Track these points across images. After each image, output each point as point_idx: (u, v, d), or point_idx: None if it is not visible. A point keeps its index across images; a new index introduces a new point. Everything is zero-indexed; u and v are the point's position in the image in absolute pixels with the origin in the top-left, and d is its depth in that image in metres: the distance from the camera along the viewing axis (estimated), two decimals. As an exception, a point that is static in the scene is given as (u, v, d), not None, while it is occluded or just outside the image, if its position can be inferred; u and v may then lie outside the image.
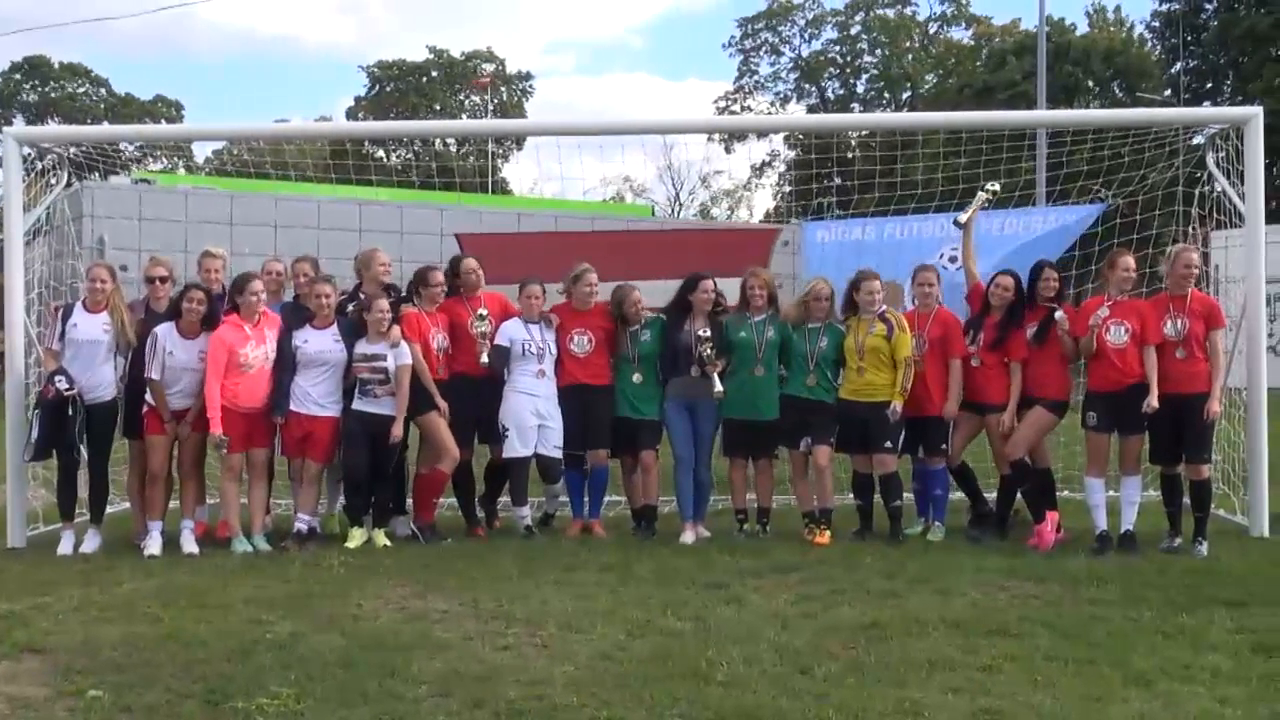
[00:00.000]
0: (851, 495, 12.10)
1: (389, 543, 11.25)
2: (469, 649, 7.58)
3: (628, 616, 8.35)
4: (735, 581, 9.51)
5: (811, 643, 7.62)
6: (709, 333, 11.51)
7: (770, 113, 76.12)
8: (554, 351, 11.78)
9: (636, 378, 11.82)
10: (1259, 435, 11.98)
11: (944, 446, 11.70)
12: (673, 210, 77.14)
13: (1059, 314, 11.21)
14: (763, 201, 79.25)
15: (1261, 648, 7.45)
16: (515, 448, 11.64)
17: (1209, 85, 56.35)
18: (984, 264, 12.44)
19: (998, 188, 12.53)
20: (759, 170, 77.94)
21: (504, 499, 12.52)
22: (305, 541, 11.32)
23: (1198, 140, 13.39)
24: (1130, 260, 11.22)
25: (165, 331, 11.04)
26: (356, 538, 11.26)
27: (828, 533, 11.41)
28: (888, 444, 11.36)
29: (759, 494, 11.92)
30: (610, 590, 9.23)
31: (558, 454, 11.73)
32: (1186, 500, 11.10)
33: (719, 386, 11.52)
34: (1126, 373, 10.85)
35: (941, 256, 12.61)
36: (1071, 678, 6.86)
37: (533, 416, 11.62)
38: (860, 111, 74.03)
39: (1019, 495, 11.70)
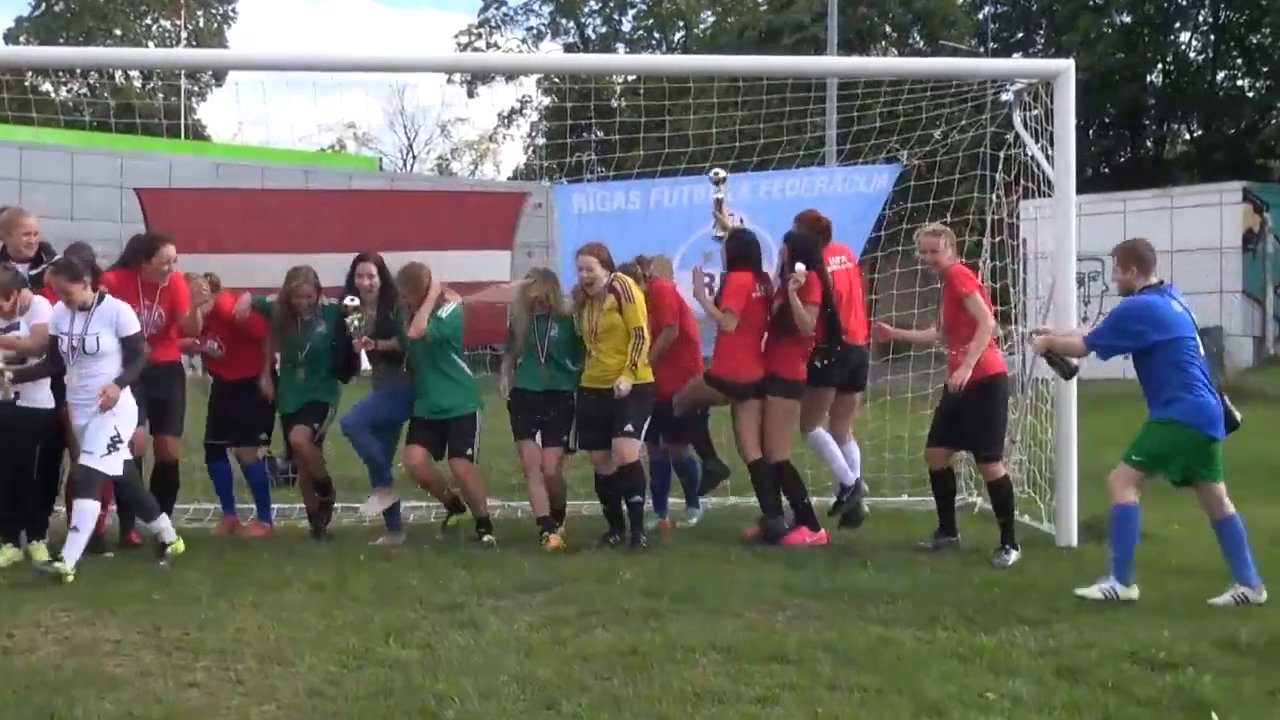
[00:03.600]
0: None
1: (47, 557, 10.83)
2: (147, 687, 7.43)
3: (342, 644, 8.28)
4: (471, 602, 9.52)
5: (560, 673, 7.66)
6: (357, 301, 12.06)
7: (520, 51, 76.07)
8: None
9: (300, 374, 12.41)
10: (1067, 433, 12.39)
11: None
12: (405, 163, 76.65)
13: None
14: (512, 155, 79.40)
15: (1067, 671, 7.75)
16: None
17: (1019, 35, 58.40)
18: (770, 231, 12.94)
19: (722, 173, 12.92)
20: (507, 119, 78.03)
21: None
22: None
23: (1006, 97, 13.82)
24: (925, 239, 11.76)
25: None
26: (6, 554, 10.88)
27: (554, 537, 11.82)
28: (627, 427, 11.69)
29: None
30: (321, 613, 9.15)
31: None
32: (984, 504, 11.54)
33: (367, 365, 12.16)
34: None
35: (714, 225, 12.73)
36: (857, 708, 7.03)
37: None
38: (625, 53, 74.43)
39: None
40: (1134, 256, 9.94)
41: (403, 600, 9.54)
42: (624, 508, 11.93)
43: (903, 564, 11.03)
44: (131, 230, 13.22)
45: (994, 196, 13.97)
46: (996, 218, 14.12)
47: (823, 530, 12.26)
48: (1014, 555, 11.27)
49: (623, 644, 8.29)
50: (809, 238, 12.27)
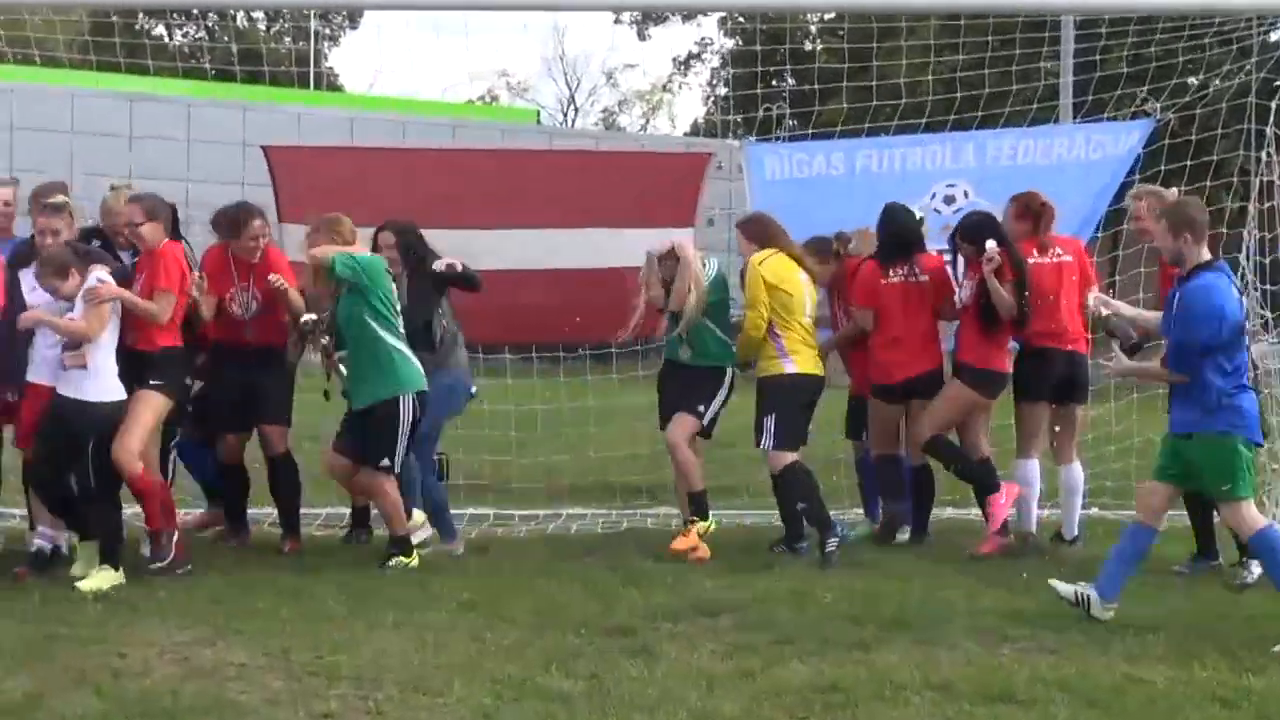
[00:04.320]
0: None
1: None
2: (275, 716, 7.52)
3: (496, 673, 8.33)
4: (644, 626, 9.54)
5: (748, 710, 7.64)
6: (314, 316, 11.85)
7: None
8: None
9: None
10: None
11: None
12: (565, 116, 77.05)
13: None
14: (690, 108, 79.26)
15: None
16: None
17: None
18: (996, 204, 12.85)
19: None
20: (684, 65, 77.98)
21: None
22: (46, 566, 11.19)
23: (1277, 37, 13.55)
24: (1139, 205, 11.63)
25: None
26: (103, 578, 10.75)
27: (694, 529, 12.18)
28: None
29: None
30: (471, 636, 9.23)
31: None
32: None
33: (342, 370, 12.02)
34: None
35: (934, 197, 12.69)
36: (1099, 760, 6.94)
37: None
38: (823, -13, 74.13)
39: None
40: (1185, 221, 9.69)
41: (565, 623, 9.57)
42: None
43: (1153, 590, 10.78)
44: (254, 194, 13.47)
45: (1264, 155, 13.66)
46: (1266, 179, 13.81)
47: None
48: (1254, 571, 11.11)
49: (822, 678, 8.26)
50: (982, 220, 12.42)
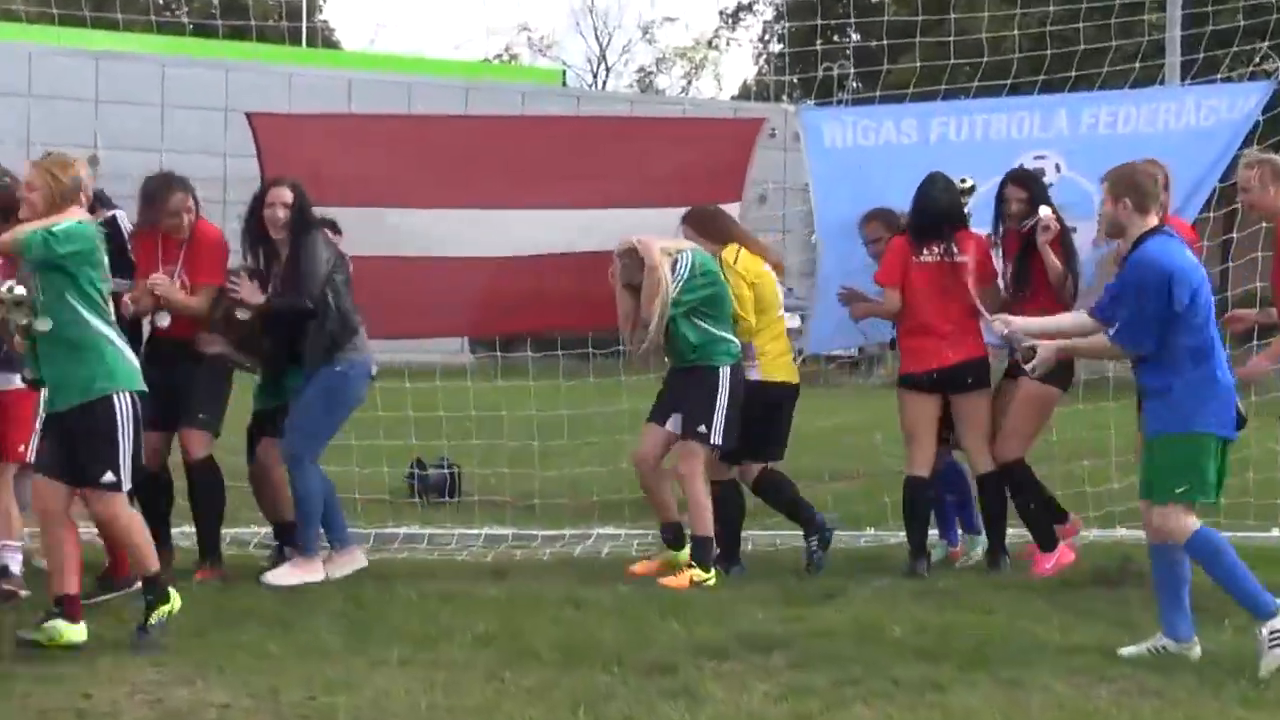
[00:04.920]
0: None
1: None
2: (262, 767, 7.55)
3: (516, 717, 8.33)
4: (685, 663, 9.53)
5: (805, 762, 7.64)
6: (20, 290, 10.08)
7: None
8: None
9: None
10: None
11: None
12: (595, 77, 77.07)
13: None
14: (739, 67, 79.19)
15: None
16: None
17: None
18: (1091, 178, 12.74)
19: (970, 180, 13.19)
20: (731, 19, 78.14)
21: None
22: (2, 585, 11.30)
23: None
24: (1248, 174, 11.66)
25: None
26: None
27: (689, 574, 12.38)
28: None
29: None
30: (488, 675, 9.24)
31: None
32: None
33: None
34: None
35: (1020, 166, 12.72)
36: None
37: None
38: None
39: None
40: (1128, 185, 9.80)
41: (596, 659, 9.57)
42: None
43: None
44: (238, 167, 13.50)
45: None
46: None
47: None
48: None
49: (891, 726, 8.24)
50: (1036, 177, 12.90)
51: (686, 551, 12.57)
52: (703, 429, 12.36)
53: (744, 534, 13.75)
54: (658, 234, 12.52)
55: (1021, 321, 10.76)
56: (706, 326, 12.42)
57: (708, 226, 12.78)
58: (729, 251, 12.71)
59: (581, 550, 13.84)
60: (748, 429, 12.57)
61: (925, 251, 12.66)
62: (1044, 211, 12.25)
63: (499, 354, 16.51)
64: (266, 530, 13.18)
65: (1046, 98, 13.92)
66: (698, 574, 12.24)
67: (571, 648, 9.91)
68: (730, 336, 12.51)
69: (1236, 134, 13.85)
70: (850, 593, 11.84)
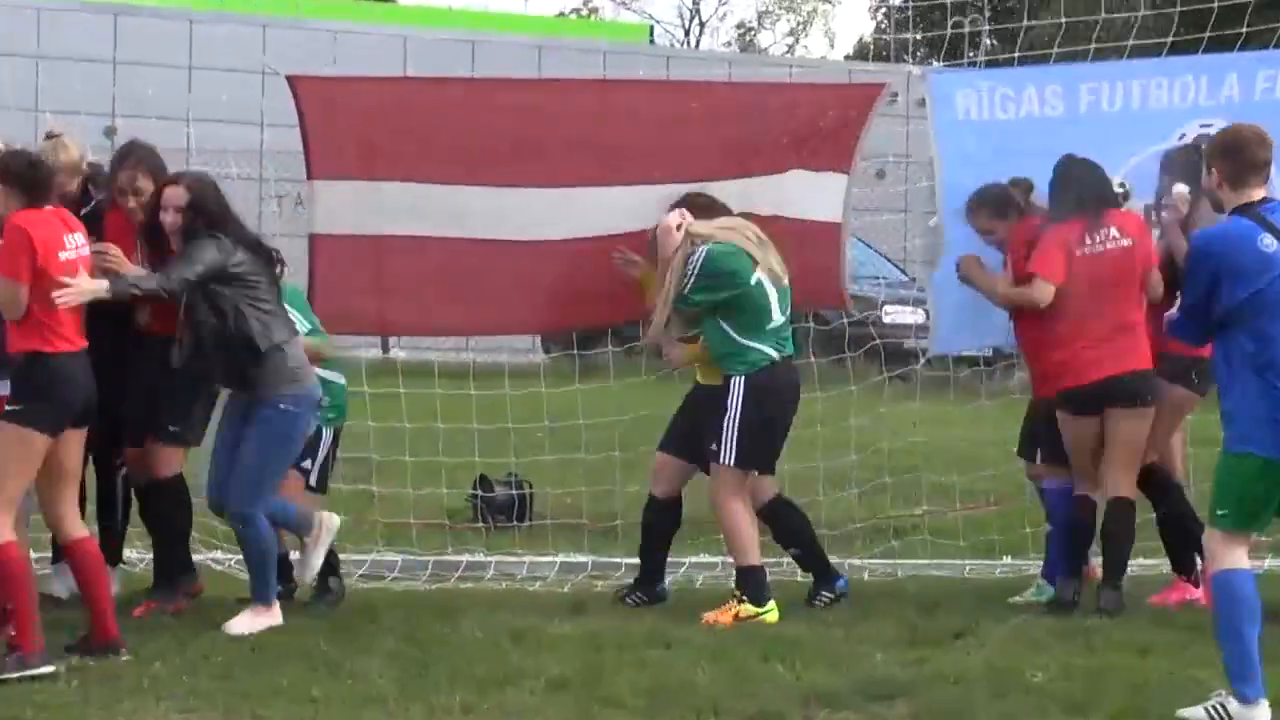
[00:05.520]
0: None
1: None
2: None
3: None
4: (794, 713, 9.51)
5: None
6: None
7: None
8: None
9: None
10: None
11: None
12: (688, 34, 77.03)
13: None
14: (854, 22, 79.02)
15: None
16: None
17: None
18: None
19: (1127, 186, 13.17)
20: (846, -35, 78.02)
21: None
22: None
23: None
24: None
25: None
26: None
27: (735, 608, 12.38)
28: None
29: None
30: (567, 726, 9.21)
31: None
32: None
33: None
34: None
35: (1182, 138, 12.83)
36: None
37: None
38: None
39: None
40: (1221, 151, 9.57)
41: (688, 708, 9.59)
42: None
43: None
44: (277, 138, 13.47)
45: None
46: None
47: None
48: None
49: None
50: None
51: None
52: (714, 447, 12.33)
53: (860, 562, 13.75)
54: (745, 203, 12.50)
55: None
56: (728, 332, 12.38)
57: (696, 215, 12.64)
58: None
59: (671, 580, 13.73)
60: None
61: (1088, 239, 12.50)
62: (1179, 189, 12.25)
63: (576, 352, 16.43)
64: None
65: (1214, 57, 13.88)
66: (746, 609, 12.22)
67: (660, 693, 9.92)
68: (756, 345, 12.38)
69: None
70: (984, 631, 11.75)
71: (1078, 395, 12.55)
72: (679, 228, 12.28)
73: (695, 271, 12.22)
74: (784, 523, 12.95)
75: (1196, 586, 12.74)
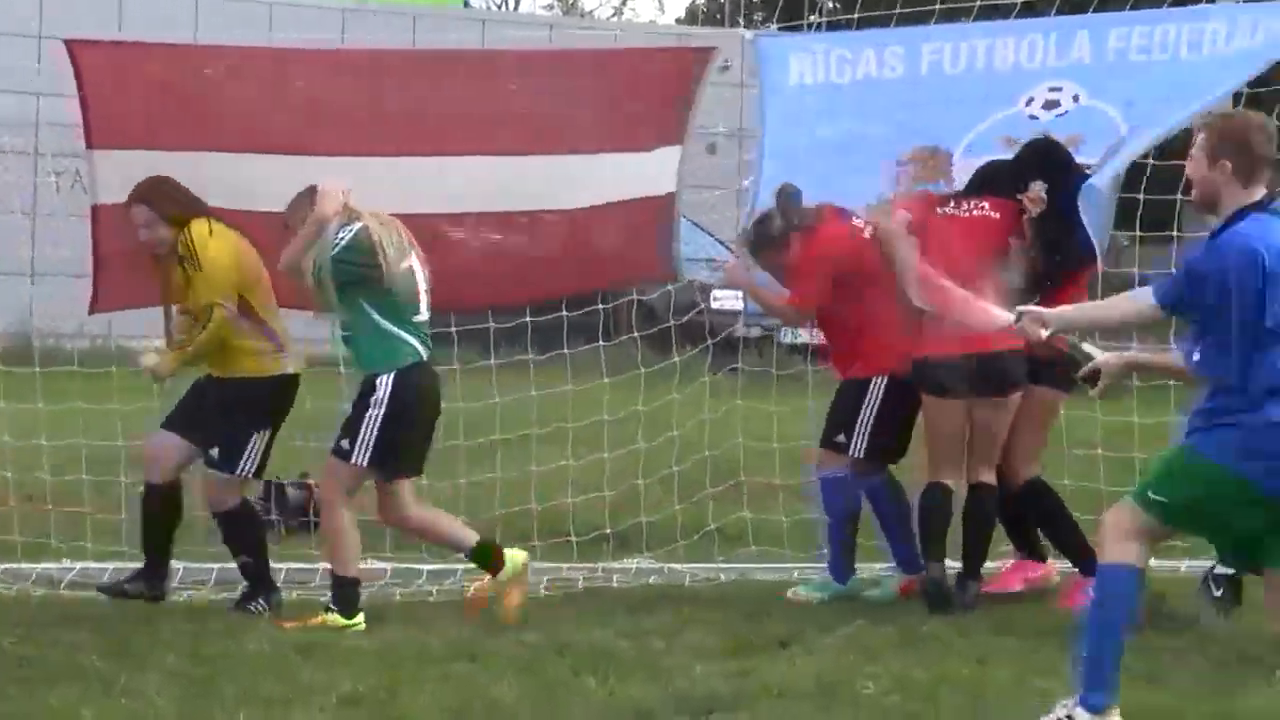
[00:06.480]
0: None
1: None
2: None
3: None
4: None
5: None
6: None
7: None
8: None
9: None
10: None
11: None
12: (504, -1, 77.09)
13: None
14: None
15: None
16: None
17: None
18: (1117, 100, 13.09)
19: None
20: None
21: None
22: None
23: None
24: None
25: None
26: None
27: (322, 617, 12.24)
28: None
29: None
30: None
31: None
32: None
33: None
34: None
35: (1029, 103, 13.06)
36: None
37: None
38: None
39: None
40: (1234, 142, 8.96)
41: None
42: None
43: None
44: (51, 108, 13.12)
45: None
46: None
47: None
48: None
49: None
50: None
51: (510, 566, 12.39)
52: (346, 444, 12.12)
53: (682, 567, 13.90)
54: (566, 188, 12.67)
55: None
56: (385, 322, 12.26)
57: (161, 199, 12.45)
58: (200, 225, 12.36)
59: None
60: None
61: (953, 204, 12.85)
62: (1035, 186, 12.37)
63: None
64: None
65: (1065, 19, 14.12)
66: (335, 619, 12.11)
67: (462, 711, 9.87)
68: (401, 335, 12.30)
69: (1255, 59, 13.66)
70: (811, 639, 11.69)
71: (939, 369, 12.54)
72: None
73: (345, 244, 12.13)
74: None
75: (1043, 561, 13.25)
